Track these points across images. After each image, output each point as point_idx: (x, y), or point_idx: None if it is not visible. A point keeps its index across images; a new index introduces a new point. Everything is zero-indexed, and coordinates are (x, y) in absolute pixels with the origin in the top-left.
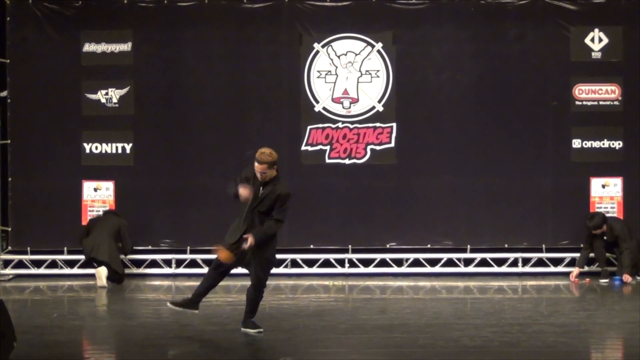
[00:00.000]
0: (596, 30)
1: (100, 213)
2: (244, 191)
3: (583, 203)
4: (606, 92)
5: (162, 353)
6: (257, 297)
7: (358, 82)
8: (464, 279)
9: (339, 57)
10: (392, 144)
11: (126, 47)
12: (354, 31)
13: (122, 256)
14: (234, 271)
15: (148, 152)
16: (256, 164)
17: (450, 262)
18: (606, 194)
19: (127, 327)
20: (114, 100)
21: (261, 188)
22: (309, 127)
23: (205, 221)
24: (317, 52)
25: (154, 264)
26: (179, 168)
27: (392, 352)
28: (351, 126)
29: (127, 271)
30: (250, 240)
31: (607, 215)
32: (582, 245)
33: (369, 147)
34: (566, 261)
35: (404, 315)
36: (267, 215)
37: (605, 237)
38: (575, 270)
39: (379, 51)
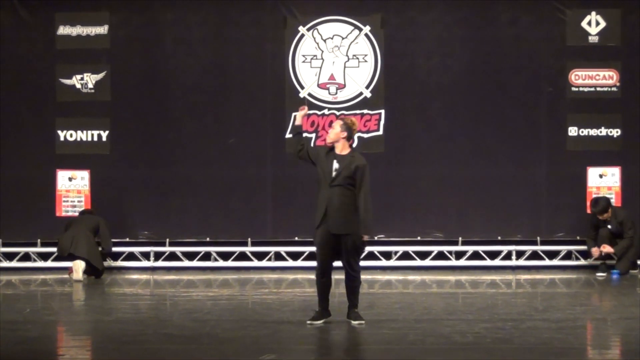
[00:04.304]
0: (593, 13)
1: (76, 213)
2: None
3: (579, 193)
4: (604, 78)
5: (140, 350)
6: (357, 284)
7: (345, 67)
8: (455, 273)
9: (325, 41)
10: (381, 132)
11: (103, 29)
12: (341, 14)
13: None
14: (217, 264)
15: (125, 139)
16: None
17: (441, 255)
18: (604, 184)
19: (103, 323)
20: (90, 85)
21: (335, 161)
22: (293, 114)
23: (186, 212)
24: (302, 35)
25: (131, 256)
26: (157, 156)
27: (381, 348)
28: (338, 113)
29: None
30: (366, 237)
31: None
32: (587, 237)
33: (356, 135)
34: (562, 254)
35: (392, 311)
36: (346, 189)
37: (609, 226)
38: (594, 250)
39: (366, 35)
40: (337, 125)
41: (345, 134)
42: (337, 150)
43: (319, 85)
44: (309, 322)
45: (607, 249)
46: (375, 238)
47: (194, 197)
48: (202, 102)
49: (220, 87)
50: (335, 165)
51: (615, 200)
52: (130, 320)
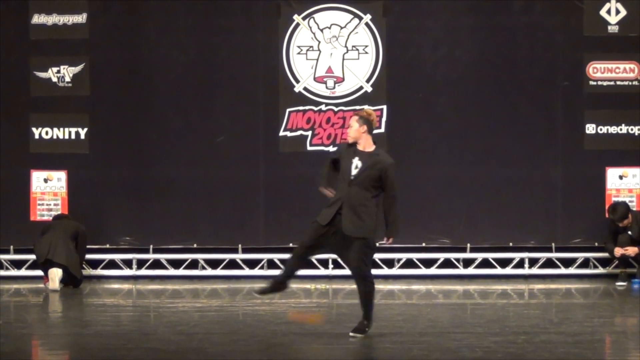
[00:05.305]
0: (613, 0)
1: (51, 218)
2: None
3: (598, 196)
4: (624, 71)
5: None
6: (369, 290)
7: (344, 59)
8: (463, 282)
9: (322, 30)
10: (382, 129)
11: (81, 18)
12: (339, 1)
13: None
14: (204, 273)
15: (105, 138)
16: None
17: (447, 263)
18: (624, 185)
19: (82, 337)
20: (67, 79)
21: (357, 159)
22: (288, 110)
23: (171, 216)
24: (297, 25)
25: (112, 264)
26: (140, 156)
27: None
28: (336, 109)
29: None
30: (392, 239)
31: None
32: (604, 244)
33: None
34: (578, 262)
35: (395, 323)
36: (365, 190)
37: (630, 232)
38: (617, 249)
39: (367, 24)
40: (354, 121)
41: (365, 127)
42: (360, 147)
43: (315, 79)
44: (257, 293)
45: (630, 249)
46: (377, 244)
47: (179, 200)
48: (188, 97)
49: (208, 80)
50: (357, 162)
51: (636, 204)
52: (111, 333)
